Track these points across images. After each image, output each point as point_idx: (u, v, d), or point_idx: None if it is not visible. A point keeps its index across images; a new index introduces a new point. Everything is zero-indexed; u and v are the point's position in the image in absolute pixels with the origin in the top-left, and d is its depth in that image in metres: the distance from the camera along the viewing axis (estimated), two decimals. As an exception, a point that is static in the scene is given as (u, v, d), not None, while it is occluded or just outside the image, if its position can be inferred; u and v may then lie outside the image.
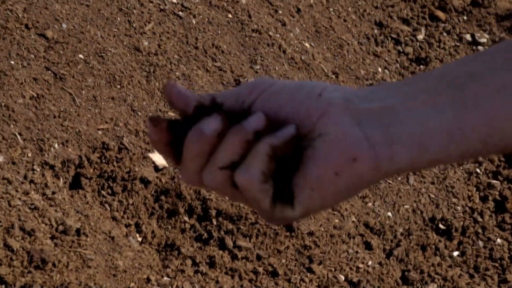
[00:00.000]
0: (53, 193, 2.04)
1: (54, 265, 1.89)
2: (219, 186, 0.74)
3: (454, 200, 2.49)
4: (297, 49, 2.77)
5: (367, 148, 0.70)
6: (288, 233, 2.20)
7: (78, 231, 1.98)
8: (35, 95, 2.20)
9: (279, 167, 0.73)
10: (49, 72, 2.27)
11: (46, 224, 1.96)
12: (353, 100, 0.73)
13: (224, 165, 0.72)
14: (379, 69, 2.91)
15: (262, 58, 2.69)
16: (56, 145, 2.12)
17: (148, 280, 2.00)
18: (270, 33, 2.76)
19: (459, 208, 2.47)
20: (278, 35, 2.78)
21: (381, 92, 0.73)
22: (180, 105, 0.75)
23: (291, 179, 0.73)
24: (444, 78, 0.73)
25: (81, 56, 2.36)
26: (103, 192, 2.12)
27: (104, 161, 2.15)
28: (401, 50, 3.01)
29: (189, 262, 2.08)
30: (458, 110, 0.70)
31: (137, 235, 2.11)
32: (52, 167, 2.09)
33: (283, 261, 2.16)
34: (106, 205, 2.11)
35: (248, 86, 0.76)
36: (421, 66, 3.00)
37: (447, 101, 0.71)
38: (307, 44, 2.80)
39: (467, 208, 2.47)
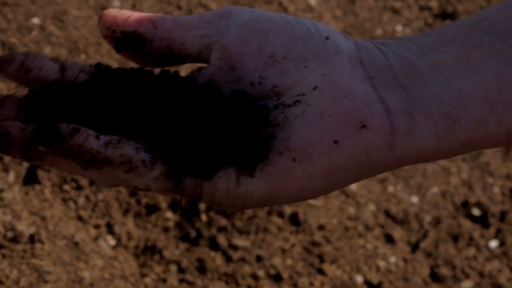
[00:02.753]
0: (1, 191, 1.83)
1: (0, 282, 1.68)
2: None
3: (490, 180, 2.38)
4: (300, 6, 2.61)
5: (381, 114, 0.59)
6: (293, 228, 2.09)
7: (32, 238, 1.76)
8: None
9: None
10: None
11: None
12: (368, 51, 0.62)
13: None
14: (399, 28, 2.73)
15: None
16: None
17: None
18: (268, -12, 2.60)
19: (496, 189, 2.34)
20: (277, -9, 2.62)
21: (396, 45, 0.63)
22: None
23: (250, 141, 0.60)
24: (480, 25, 0.61)
25: (35, 20, 2.17)
26: (66, 187, 1.93)
27: None
28: (423, 4, 2.84)
29: (173, 268, 1.91)
30: (500, 67, 0.59)
31: (109, 237, 1.93)
32: None
33: (288, 262, 2.01)
34: (70, 203, 1.91)
35: (219, 11, 0.64)
36: (448, 22, 2.82)
37: (485, 56, 0.60)
38: (312, 1, 2.65)
39: (506, 190, 2.36)
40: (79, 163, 0.59)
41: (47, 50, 2.11)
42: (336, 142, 0.59)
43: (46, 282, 1.71)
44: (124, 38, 0.65)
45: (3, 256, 1.71)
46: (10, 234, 1.75)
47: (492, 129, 0.60)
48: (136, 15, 0.65)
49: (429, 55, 0.61)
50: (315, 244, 2.05)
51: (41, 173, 1.90)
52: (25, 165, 1.90)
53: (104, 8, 2.28)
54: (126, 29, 0.65)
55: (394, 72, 0.61)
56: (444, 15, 2.81)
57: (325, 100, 0.60)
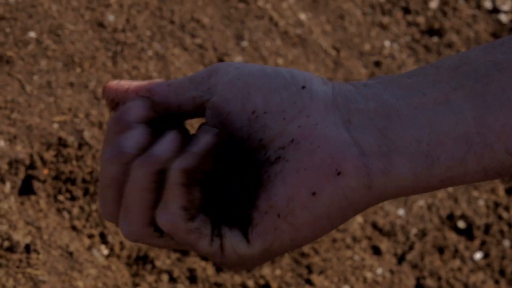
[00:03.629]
0: None
1: None
2: (145, 238, 0.63)
3: (475, 193, 2.40)
4: (291, 21, 2.62)
5: (355, 156, 0.60)
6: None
7: (27, 247, 1.77)
8: None
9: (221, 188, 0.63)
10: None
11: None
12: (344, 96, 0.63)
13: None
14: (387, 43, 2.75)
15: (251, 33, 2.52)
16: (1, 142, 1.96)
17: None
18: (259, 3, 2.61)
19: (481, 202, 2.37)
20: (268, 6, 2.62)
21: (378, 86, 0.63)
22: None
23: (248, 202, 0.62)
24: (461, 69, 0.62)
25: (32, 34, 2.18)
26: (60, 197, 1.93)
27: (61, 160, 1.99)
28: (411, 20, 2.86)
29: (165, 277, 1.92)
30: (479, 109, 0.60)
31: (103, 247, 1.93)
32: None
33: (277, 272, 2.03)
34: (64, 213, 1.92)
35: (207, 70, 0.67)
36: (435, 39, 2.82)
37: (465, 97, 0.61)
38: (303, 16, 2.65)
39: (490, 203, 2.38)
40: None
41: (43, 64, 2.12)
42: (314, 193, 0.60)
43: None
44: None
45: (0, 265, 1.72)
46: (6, 243, 1.76)
47: (470, 168, 0.61)
48: (133, 85, 0.67)
49: (410, 97, 0.62)
50: (303, 255, 2.06)
51: (36, 184, 1.91)
52: (21, 176, 1.91)
53: (99, 22, 2.28)
54: (126, 101, 0.67)
55: (371, 115, 0.61)
56: (431, 31, 2.82)
57: (301, 153, 0.61)
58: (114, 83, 0.68)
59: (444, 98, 0.61)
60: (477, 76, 0.61)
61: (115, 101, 0.67)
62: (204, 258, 1.95)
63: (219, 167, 0.63)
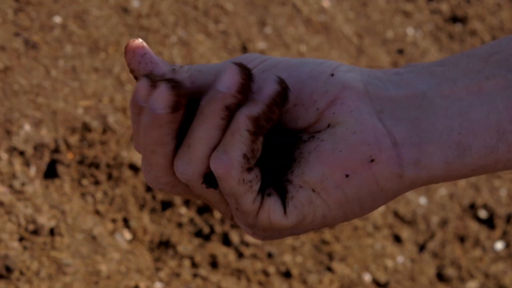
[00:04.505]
0: (23, 184, 1.84)
1: (21, 272, 1.69)
2: (194, 180, 0.62)
3: (497, 183, 2.39)
4: (314, 8, 2.60)
5: (388, 147, 0.60)
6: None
7: (52, 231, 1.78)
8: (2, 67, 2.01)
9: (267, 157, 0.63)
10: (19, 39, 2.07)
11: (13, 223, 1.77)
12: (374, 84, 0.62)
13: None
14: (410, 31, 2.73)
15: (274, 20, 2.49)
16: (27, 127, 1.95)
17: (137, 287, 1.81)
18: (283, -10, 2.59)
19: (503, 192, 2.36)
20: (292, -7, 2.61)
21: (410, 74, 0.63)
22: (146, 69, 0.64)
23: (284, 175, 0.63)
24: (493, 57, 0.62)
25: (57, 19, 2.17)
26: (84, 182, 1.93)
27: (85, 144, 1.99)
28: (434, 8, 2.82)
29: (187, 262, 1.92)
30: (510, 98, 0.60)
31: (126, 231, 1.93)
32: (21, 153, 1.90)
33: (298, 259, 2.03)
34: (88, 197, 1.92)
35: (233, 60, 0.64)
36: (458, 27, 2.80)
37: (497, 87, 0.61)
38: (326, 2, 2.63)
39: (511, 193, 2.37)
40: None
41: (68, 48, 2.11)
42: (347, 175, 0.60)
43: (65, 274, 1.73)
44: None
45: (24, 248, 1.73)
46: (31, 227, 1.77)
47: (502, 156, 0.61)
48: (162, 67, 0.66)
49: (442, 86, 0.62)
50: (324, 242, 2.06)
51: (60, 168, 1.90)
52: (46, 160, 1.91)
53: (124, 8, 2.26)
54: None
55: (402, 105, 0.62)
56: (454, 19, 2.80)
57: (336, 136, 0.61)
58: (150, 53, 0.65)
59: (477, 88, 0.61)
60: (509, 65, 0.62)
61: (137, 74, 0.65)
62: (226, 244, 1.96)
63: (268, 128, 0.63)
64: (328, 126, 0.62)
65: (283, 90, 0.60)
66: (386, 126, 0.61)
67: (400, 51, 2.59)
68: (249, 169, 0.60)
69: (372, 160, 0.60)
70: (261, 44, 2.38)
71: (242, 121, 0.59)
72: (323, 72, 0.63)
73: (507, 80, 0.61)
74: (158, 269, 1.89)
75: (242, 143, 0.59)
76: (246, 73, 0.59)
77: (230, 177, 0.60)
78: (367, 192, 0.61)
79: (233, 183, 0.60)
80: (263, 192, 0.62)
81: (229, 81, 0.59)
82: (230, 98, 0.59)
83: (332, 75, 0.63)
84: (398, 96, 0.62)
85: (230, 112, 0.60)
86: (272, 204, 0.62)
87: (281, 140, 0.64)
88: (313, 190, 0.61)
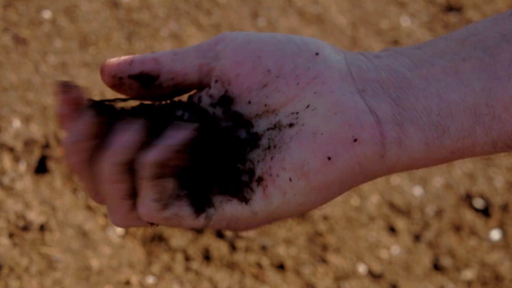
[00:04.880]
0: (13, 180, 1.83)
1: (11, 269, 1.69)
2: (132, 224, 0.63)
3: (493, 172, 2.35)
4: None
5: (371, 125, 0.60)
6: (298, 218, 2.07)
7: (42, 226, 1.77)
8: None
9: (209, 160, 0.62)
10: (8, 34, 2.06)
11: (2, 220, 1.75)
12: (357, 65, 0.63)
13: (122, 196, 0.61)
14: (405, 21, 2.70)
15: (267, 12, 2.47)
16: (16, 122, 1.93)
17: (129, 282, 1.79)
18: (275, -19, 2.56)
19: (499, 181, 2.33)
20: (285, -16, 2.58)
21: (389, 57, 0.64)
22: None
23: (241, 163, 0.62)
24: (469, 40, 0.62)
25: (47, 14, 2.15)
26: (75, 177, 1.91)
27: None
28: None
29: (179, 256, 1.91)
30: (488, 80, 0.60)
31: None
32: (11, 149, 1.89)
33: (292, 251, 2.00)
34: (79, 192, 1.90)
35: (214, 38, 0.67)
36: (454, 16, 2.77)
37: (473, 69, 0.60)
38: None
39: (508, 182, 2.34)
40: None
41: (58, 43, 2.09)
42: (329, 158, 0.60)
43: (55, 269, 1.72)
44: (132, 80, 0.67)
45: (14, 244, 1.72)
46: (21, 222, 1.75)
47: (480, 139, 0.61)
48: (138, 57, 0.67)
49: (420, 68, 0.62)
50: (318, 234, 2.05)
51: (51, 164, 1.89)
52: (36, 155, 1.90)
53: (114, 2, 2.24)
54: (132, 72, 0.66)
55: (384, 84, 0.62)
56: (450, 8, 2.77)
57: (318, 119, 0.61)
58: (114, 60, 0.67)
59: (454, 69, 0.61)
60: (485, 47, 0.61)
61: (118, 76, 0.67)
62: (219, 237, 1.94)
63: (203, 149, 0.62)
64: (308, 106, 0.61)
65: (196, 136, 0.60)
66: (369, 104, 0.61)
67: (395, 42, 2.57)
68: (166, 207, 0.61)
69: (355, 140, 0.60)
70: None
71: (141, 168, 0.60)
72: (308, 50, 0.63)
73: (483, 62, 0.61)
74: (150, 263, 1.88)
75: (148, 189, 0.60)
76: (153, 129, 0.60)
77: (155, 221, 0.61)
78: (349, 174, 0.60)
79: (161, 222, 0.61)
80: (209, 202, 0.62)
81: (125, 138, 0.60)
82: (128, 155, 0.60)
83: (317, 54, 0.63)
84: (379, 77, 0.62)
85: (128, 163, 0.60)
86: (232, 206, 0.62)
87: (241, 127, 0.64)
88: (290, 180, 0.61)
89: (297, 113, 0.62)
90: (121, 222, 0.63)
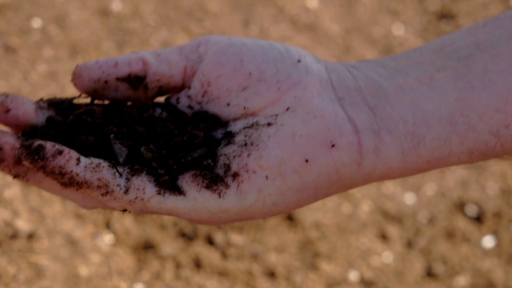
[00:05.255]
0: (1, 188, 1.82)
1: None
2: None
3: (485, 178, 2.36)
4: (298, 7, 2.57)
5: (349, 133, 0.60)
6: (289, 225, 2.06)
7: (30, 234, 1.76)
8: None
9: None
10: None
11: None
12: (337, 73, 0.63)
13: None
14: (398, 29, 2.70)
15: (258, 20, 2.46)
16: (5, 129, 1.90)
17: None
18: (267, -10, 2.56)
19: (491, 188, 2.32)
20: (276, -8, 2.58)
21: (366, 67, 0.64)
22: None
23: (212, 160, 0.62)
24: (444, 50, 0.62)
25: (36, 22, 2.14)
26: None
27: None
28: (422, 5, 2.79)
29: (170, 264, 1.89)
30: (462, 89, 0.59)
31: (108, 235, 1.90)
32: None
33: (284, 258, 1.99)
34: (68, 201, 1.88)
35: (196, 40, 0.67)
36: (447, 24, 2.76)
37: (448, 78, 0.60)
38: (311, 2, 2.61)
39: (501, 189, 2.33)
40: (59, 183, 0.61)
41: (48, 52, 2.08)
42: (307, 160, 0.60)
43: (43, 277, 1.71)
44: (121, 82, 0.67)
45: (2, 252, 1.71)
46: (9, 231, 1.74)
47: (455, 148, 0.61)
48: (122, 58, 0.67)
49: (395, 78, 0.62)
50: (310, 241, 2.03)
51: None
52: None
53: (104, 10, 2.23)
54: (120, 74, 0.66)
55: (362, 93, 0.62)
56: (443, 16, 2.75)
57: (297, 120, 0.61)
58: (91, 63, 0.67)
59: (428, 79, 0.61)
60: (460, 56, 0.61)
61: (103, 80, 0.66)
62: (210, 244, 1.92)
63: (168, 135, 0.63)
64: (288, 109, 0.62)
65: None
66: (348, 112, 0.61)
67: (388, 49, 2.57)
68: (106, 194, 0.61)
69: (333, 145, 0.60)
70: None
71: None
72: (290, 57, 0.64)
73: (458, 71, 0.61)
74: (140, 271, 1.87)
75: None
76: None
77: (122, 206, 0.63)
78: (325, 179, 0.61)
79: (128, 206, 0.63)
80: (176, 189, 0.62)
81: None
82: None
83: (299, 61, 0.64)
84: (357, 86, 0.62)
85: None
86: (202, 197, 0.62)
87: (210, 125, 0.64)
88: (266, 177, 0.61)
89: (276, 115, 0.62)
90: (86, 205, 0.63)
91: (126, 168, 0.62)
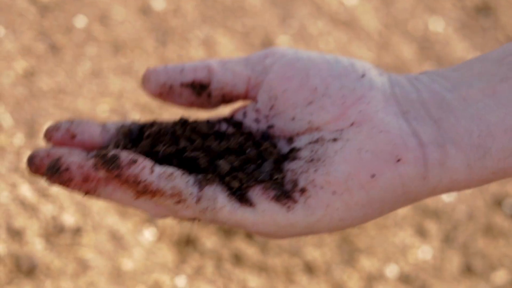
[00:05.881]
0: (47, 184, 1.82)
1: (45, 270, 1.70)
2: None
3: None
4: (337, 3, 2.57)
5: (415, 147, 0.60)
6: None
7: (76, 229, 1.79)
8: (26, 69, 2.00)
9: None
10: (43, 41, 2.06)
11: (38, 222, 1.76)
12: (400, 87, 0.64)
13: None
14: (436, 24, 2.68)
15: (297, 16, 2.46)
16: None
17: (160, 282, 1.80)
18: (306, -13, 2.55)
19: None
20: (315, -11, 2.57)
21: (428, 79, 0.64)
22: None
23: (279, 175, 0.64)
24: (506, 60, 0.61)
25: (80, 20, 2.15)
26: None
27: None
28: (461, 1, 2.77)
29: (211, 258, 1.91)
30: None
31: (150, 228, 1.92)
32: None
33: (322, 253, 1.99)
34: None
35: (263, 51, 0.68)
36: (486, 19, 2.74)
37: (510, 89, 0.60)
38: None
39: None
40: (134, 191, 0.61)
41: (92, 49, 2.10)
42: (373, 176, 0.60)
43: (89, 271, 1.74)
44: (185, 88, 0.69)
45: (49, 246, 1.74)
46: (55, 226, 1.77)
47: None
48: (188, 65, 0.68)
49: (458, 89, 0.62)
50: (348, 236, 2.04)
51: None
52: None
53: (146, 8, 2.24)
54: (185, 80, 0.68)
55: (426, 106, 0.62)
56: (481, 11, 2.73)
57: (362, 136, 0.61)
58: (160, 67, 0.68)
59: (492, 90, 0.61)
60: None
61: (169, 85, 0.68)
62: (250, 240, 1.94)
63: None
64: (352, 124, 0.62)
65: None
66: (412, 126, 0.61)
67: (426, 44, 2.56)
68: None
69: (398, 160, 0.60)
70: (284, 40, 2.37)
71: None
72: (355, 71, 0.64)
73: None
74: (182, 266, 1.88)
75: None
76: None
77: (191, 214, 0.64)
78: (391, 194, 0.61)
79: (199, 215, 0.64)
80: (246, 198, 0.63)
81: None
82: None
83: (363, 75, 0.64)
84: (421, 99, 0.62)
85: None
86: (272, 209, 0.62)
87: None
88: (334, 193, 0.61)
89: (341, 130, 0.63)
90: (157, 214, 0.65)
91: (199, 177, 0.63)
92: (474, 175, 0.61)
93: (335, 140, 0.63)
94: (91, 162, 0.62)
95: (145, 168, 0.61)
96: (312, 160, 0.63)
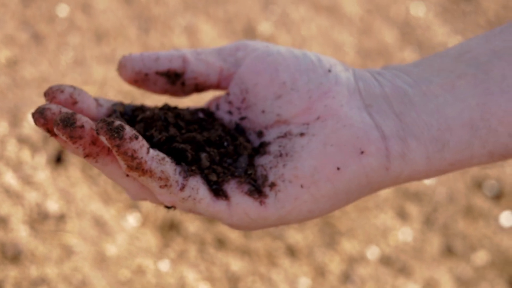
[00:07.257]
0: (31, 171, 1.85)
1: (30, 256, 1.71)
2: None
3: None
4: None
5: (377, 139, 0.62)
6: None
7: (60, 216, 1.79)
8: (10, 58, 2.00)
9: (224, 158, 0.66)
10: (26, 30, 2.07)
11: (22, 210, 1.77)
12: (364, 81, 0.65)
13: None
14: (418, 9, 2.67)
15: (280, 1, 2.47)
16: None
17: (144, 266, 1.81)
18: (288, -27, 2.54)
19: (510, 167, 2.32)
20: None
21: (391, 74, 0.66)
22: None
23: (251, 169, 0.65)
24: (463, 57, 0.64)
25: (63, 9, 2.16)
26: (93, 167, 1.93)
27: None
28: None
29: (194, 242, 1.92)
30: (482, 95, 0.62)
31: (134, 215, 1.93)
32: (29, 141, 1.90)
33: (304, 236, 2.00)
34: (98, 181, 1.92)
35: (235, 44, 0.69)
36: (467, 4, 2.74)
37: (468, 85, 0.63)
38: None
39: None
40: (127, 164, 0.62)
41: (75, 38, 2.10)
42: (338, 168, 0.63)
43: (73, 256, 1.74)
44: (160, 77, 0.71)
45: (33, 232, 1.75)
46: (39, 212, 1.78)
47: (477, 151, 0.64)
48: (163, 54, 0.70)
49: (419, 85, 0.65)
50: (330, 219, 2.05)
51: (69, 154, 1.90)
52: (55, 146, 1.91)
53: None
54: (160, 69, 0.70)
55: (388, 100, 0.64)
56: None
57: (328, 130, 0.64)
58: (135, 55, 0.70)
59: (450, 85, 0.64)
60: (478, 63, 0.64)
61: (144, 72, 0.70)
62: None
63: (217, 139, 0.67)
64: (318, 118, 0.65)
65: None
66: (375, 120, 0.64)
67: (407, 29, 2.55)
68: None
69: (362, 152, 0.63)
70: (266, 27, 2.37)
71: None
72: (321, 66, 0.67)
73: (477, 78, 0.63)
74: (165, 250, 1.89)
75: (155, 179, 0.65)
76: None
77: (173, 202, 0.66)
78: (356, 184, 0.64)
79: (180, 204, 0.65)
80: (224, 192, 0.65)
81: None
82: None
83: (329, 71, 0.66)
84: (383, 93, 0.65)
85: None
86: (245, 203, 0.65)
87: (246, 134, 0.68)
88: (302, 186, 0.64)
89: (307, 123, 0.65)
90: (137, 196, 0.66)
91: (185, 167, 0.65)
92: (433, 166, 0.64)
93: (302, 135, 0.65)
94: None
95: (143, 147, 0.62)
96: (281, 155, 0.65)
